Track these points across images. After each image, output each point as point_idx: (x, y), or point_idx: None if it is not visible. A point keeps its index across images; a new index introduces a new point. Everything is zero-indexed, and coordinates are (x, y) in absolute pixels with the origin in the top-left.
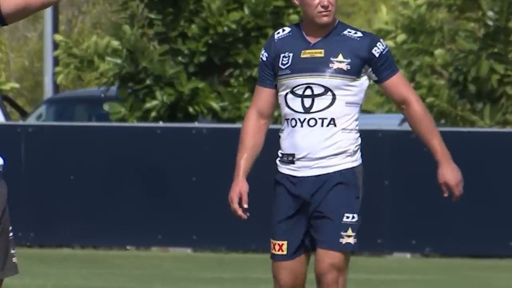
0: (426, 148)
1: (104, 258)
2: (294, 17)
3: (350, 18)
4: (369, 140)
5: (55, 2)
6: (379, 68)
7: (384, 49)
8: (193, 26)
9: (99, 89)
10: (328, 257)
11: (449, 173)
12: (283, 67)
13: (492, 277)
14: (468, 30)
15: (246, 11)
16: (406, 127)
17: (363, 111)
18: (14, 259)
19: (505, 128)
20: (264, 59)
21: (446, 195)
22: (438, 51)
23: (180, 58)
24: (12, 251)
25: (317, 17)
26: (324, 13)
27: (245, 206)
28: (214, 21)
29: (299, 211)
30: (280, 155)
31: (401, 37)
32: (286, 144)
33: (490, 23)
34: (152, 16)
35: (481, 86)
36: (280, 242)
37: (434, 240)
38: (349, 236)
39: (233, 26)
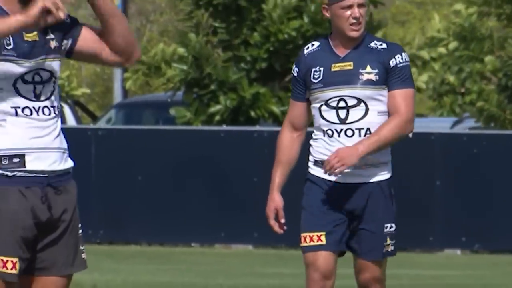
0: (476, 149)
1: (170, 255)
2: None
3: (405, 27)
4: (422, 142)
5: (117, 64)
6: (392, 78)
7: (401, 62)
8: (255, 34)
9: (166, 94)
10: (371, 270)
11: (344, 149)
12: (315, 81)
13: None
14: None
15: (306, 19)
16: (457, 130)
17: (417, 114)
18: (83, 255)
19: None
20: (296, 74)
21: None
22: (488, 58)
23: (242, 65)
24: (81, 248)
25: (348, 30)
26: (355, 27)
27: (282, 221)
28: (275, 29)
29: (334, 206)
30: (313, 160)
31: (453, 44)
32: (322, 151)
33: None
34: (216, 24)
35: None
36: (319, 233)
37: (483, 237)
38: (388, 245)
39: (293, 33)
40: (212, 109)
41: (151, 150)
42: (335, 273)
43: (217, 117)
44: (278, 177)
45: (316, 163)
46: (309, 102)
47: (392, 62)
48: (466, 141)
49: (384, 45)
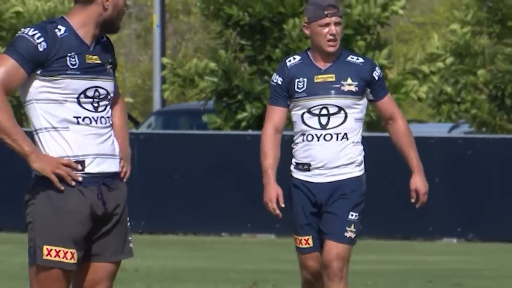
0: (470, 151)
1: (203, 243)
2: (361, 43)
3: (408, 44)
4: (423, 145)
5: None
6: (377, 89)
7: (380, 73)
8: (277, 50)
9: (199, 103)
10: (335, 248)
11: (420, 182)
12: (299, 90)
13: None
14: (505, 54)
15: None
16: (453, 134)
17: (418, 120)
18: (131, 244)
19: None
20: (280, 82)
21: (413, 200)
22: (480, 71)
23: (266, 77)
24: (129, 238)
25: (326, 45)
26: (332, 43)
27: (282, 205)
28: (295, 46)
29: (315, 211)
30: (294, 163)
31: (450, 59)
32: (302, 155)
33: None
34: (243, 42)
35: None
36: (306, 237)
37: (476, 227)
38: (352, 231)
39: None
40: (239, 116)
41: (186, 152)
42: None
43: (244, 123)
44: (271, 170)
45: (297, 166)
46: (288, 108)
47: (375, 75)
48: (461, 144)
49: (361, 60)
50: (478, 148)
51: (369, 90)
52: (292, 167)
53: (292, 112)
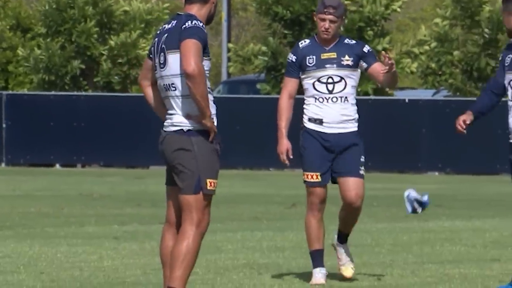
0: (448, 109)
1: (256, 176)
2: (370, 32)
3: (404, 33)
4: (414, 105)
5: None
6: (368, 58)
7: (370, 49)
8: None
9: (255, 75)
10: (354, 187)
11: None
12: (310, 65)
13: (486, 185)
14: (473, 40)
15: (342, 28)
16: (436, 97)
17: (411, 88)
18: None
19: None
20: (294, 60)
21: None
22: (455, 52)
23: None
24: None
25: (321, 33)
26: (325, 33)
27: (291, 157)
28: None
29: (325, 153)
30: (307, 118)
31: (433, 44)
32: (315, 112)
33: (487, 35)
34: (286, 32)
35: (481, 73)
36: (316, 174)
37: (452, 163)
38: (363, 170)
39: None
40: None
41: (246, 111)
42: (326, 199)
43: None
44: (284, 128)
45: (309, 120)
46: (299, 79)
47: (365, 49)
48: (441, 104)
49: (354, 42)
50: (453, 107)
51: (363, 63)
52: (305, 120)
53: (304, 82)
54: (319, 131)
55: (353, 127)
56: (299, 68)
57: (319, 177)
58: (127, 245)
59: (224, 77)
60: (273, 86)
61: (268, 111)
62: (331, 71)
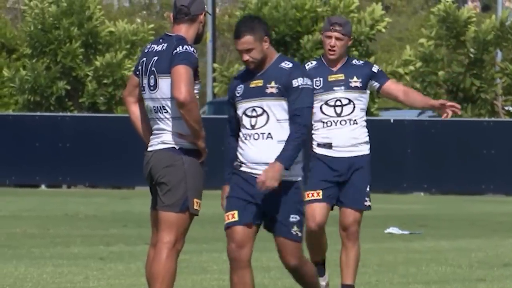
0: (433, 130)
1: None
2: (356, 53)
3: (389, 53)
4: (399, 125)
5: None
6: (379, 77)
7: (379, 68)
8: (295, 58)
9: None
10: (353, 214)
11: (434, 101)
12: (317, 87)
13: (471, 205)
14: (458, 60)
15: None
16: (421, 117)
17: (396, 108)
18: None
19: (479, 118)
20: None
21: (446, 114)
22: (440, 73)
23: None
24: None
25: (327, 53)
26: (331, 52)
27: None
28: (308, 55)
29: (331, 175)
30: (316, 143)
31: (418, 64)
32: (323, 136)
33: (472, 56)
34: None
35: (466, 93)
36: (317, 191)
37: (437, 184)
38: (369, 201)
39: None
40: None
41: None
42: (326, 218)
43: None
44: None
45: (319, 145)
46: None
47: (374, 69)
48: (427, 124)
49: (362, 62)
50: (439, 127)
51: (374, 83)
52: (314, 146)
53: None
54: (328, 156)
55: (364, 150)
56: None
57: (320, 194)
58: (113, 265)
59: (209, 97)
60: None
61: None
62: (339, 93)
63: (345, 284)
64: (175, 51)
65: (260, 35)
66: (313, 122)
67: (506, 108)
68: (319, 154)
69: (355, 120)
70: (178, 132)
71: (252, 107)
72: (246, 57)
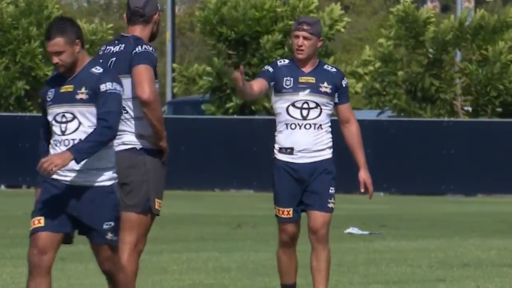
0: (393, 130)
1: (201, 196)
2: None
3: (349, 53)
4: (359, 126)
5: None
6: (342, 94)
7: (346, 83)
8: (255, 58)
9: (199, 96)
10: (321, 217)
11: (366, 175)
12: (286, 87)
13: (431, 205)
14: (417, 60)
15: (286, 49)
16: (380, 117)
17: (355, 108)
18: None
19: (439, 118)
20: (270, 70)
21: (363, 190)
22: (399, 73)
23: (246, 77)
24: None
25: (295, 52)
26: (299, 51)
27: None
28: (267, 55)
29: (296, 187)
30: (278, 148)
31: (378, 64)
32: (286, 140)
33: (431, 56)
34: (230, 52)
35: (425, 93)
36: (287, 209)
37: (397, 184)
38: (332, 203)
39: (279, 58)
40: (228, 105)
41: (190, 131)
42: (298, 232)
43: (231, 110)
44: (244, 80)
45: (280, 150)
46: (267, 83)
47: (343, 83)
48: (386, 124)
49: (334, 69)
50: (398, 127)
51: (336, 94)
52: (275, 151)
53: (277, 105)
54: (290, 162)
55: (327, 154)
56: (274, 85)
57: (290, 213)
58: (73, 266)
59: (168, 97)
60: (217, 107)
61: (213, 131)
62: (308, 96)
63: None
64: (134, 51)
65: (71, 38)
66: (277, 123)
67: (465, 108)
68: (281, 161)
69: (320, 125)
70: (139, 133)
71: (62, 112)
72: (56, 59)
